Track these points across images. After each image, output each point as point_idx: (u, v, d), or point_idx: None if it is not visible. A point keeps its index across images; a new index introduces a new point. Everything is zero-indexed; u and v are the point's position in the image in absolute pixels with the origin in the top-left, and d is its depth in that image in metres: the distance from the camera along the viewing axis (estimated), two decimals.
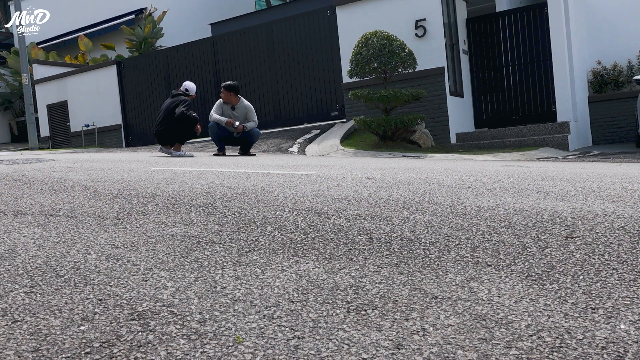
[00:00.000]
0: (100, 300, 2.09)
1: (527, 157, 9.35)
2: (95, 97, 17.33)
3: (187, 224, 3.20)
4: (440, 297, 2.06)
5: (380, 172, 5.45)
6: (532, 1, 13.82)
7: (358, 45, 10.65)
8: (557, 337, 1.73)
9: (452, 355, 1.64)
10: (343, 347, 1.70)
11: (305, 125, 13.44)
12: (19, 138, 22.58)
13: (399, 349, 1.68)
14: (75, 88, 17.91)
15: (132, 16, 20.40)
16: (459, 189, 4.10)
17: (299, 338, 1.77)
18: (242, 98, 9.75)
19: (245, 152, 9.62)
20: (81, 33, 20.91)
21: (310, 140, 11.86)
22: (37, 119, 18.49)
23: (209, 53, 15.14)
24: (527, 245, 2.63)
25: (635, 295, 2.02)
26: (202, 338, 1.77)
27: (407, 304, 2.00)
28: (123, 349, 1.72)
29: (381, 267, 2.40)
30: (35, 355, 1.69)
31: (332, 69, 13.07)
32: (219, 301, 2.06)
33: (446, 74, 11.53)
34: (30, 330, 1.86)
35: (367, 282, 2.24)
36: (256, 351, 1.68)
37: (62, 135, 18.44)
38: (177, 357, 1.66)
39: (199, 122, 9.14)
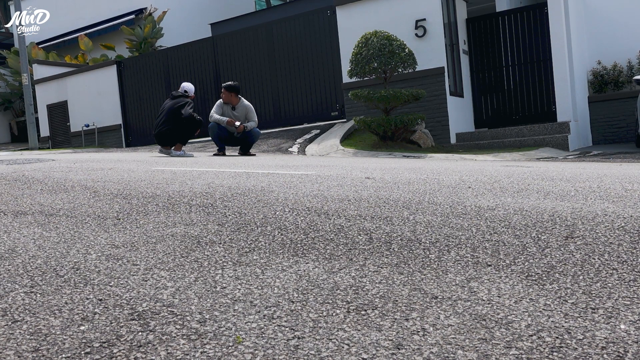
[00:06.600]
0: (100, 300, 2.09)
1: (527, 157, 9.35)
2: (95, 97, 17.33)
3: (187, 224, 3.20)
4: (440, 297, 2.06)
5: (380, 172, 5.45)
6: (532, 1, 13.82)
7: (358, 45, 10.65)
8: (557, 337, 1.73)
9: (452, 355, 1.64)
10: (343, 347, 1.70)
11: (305, 125, 13.44)
12: (19, 138, 22.58)
13: (399, 349, 1.68)
14: (75, 88, 17.90)
15: (132, 16, 20.41)
16: (459, 189, 4.10)
17: (299, 338, 1.77)
18: (243, 98, 9.76)
19: (245, 152, 9.62)
20: (81, 33, 20.91)
21: (310, 140, 11.86)
22: (37, 119, 18.49)
23: (209, 53, 15.14)
24: (527, 245, 2.63)
25: (635, 295, 2.02)
26: (202, 338, 1.77)
27: (407, 304, 2.00)
28: (123, 349, 1.71)
29: (381, 267, 2.40)
30: (35, 355, 1.69)
31: (332, 69, 13.07)
32: (219, 301, 2.06)
33: (446, 74, 11.53)
34: (30, 330, 1.86)
35: (367, 282, 2.23)
36: (256, 351, 1.68)
37: (62, 135, 18.44)
38: (177, 357, 1.66)
39: (202, 125, 9.22)
